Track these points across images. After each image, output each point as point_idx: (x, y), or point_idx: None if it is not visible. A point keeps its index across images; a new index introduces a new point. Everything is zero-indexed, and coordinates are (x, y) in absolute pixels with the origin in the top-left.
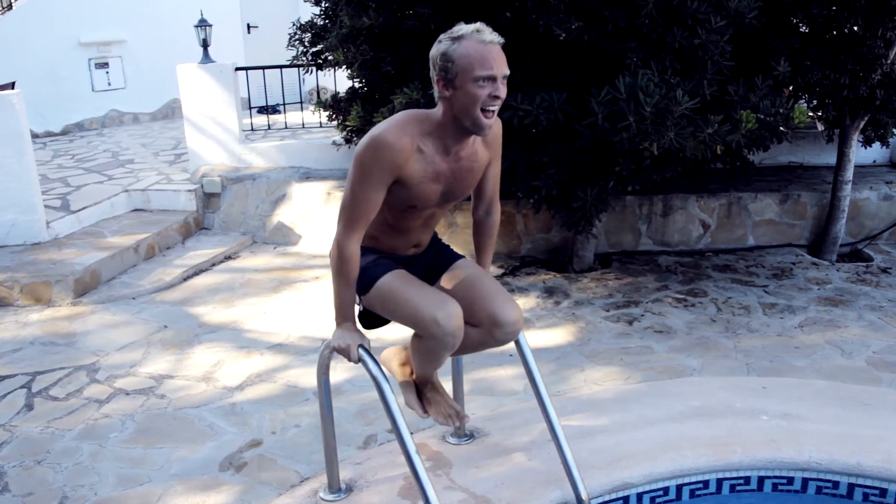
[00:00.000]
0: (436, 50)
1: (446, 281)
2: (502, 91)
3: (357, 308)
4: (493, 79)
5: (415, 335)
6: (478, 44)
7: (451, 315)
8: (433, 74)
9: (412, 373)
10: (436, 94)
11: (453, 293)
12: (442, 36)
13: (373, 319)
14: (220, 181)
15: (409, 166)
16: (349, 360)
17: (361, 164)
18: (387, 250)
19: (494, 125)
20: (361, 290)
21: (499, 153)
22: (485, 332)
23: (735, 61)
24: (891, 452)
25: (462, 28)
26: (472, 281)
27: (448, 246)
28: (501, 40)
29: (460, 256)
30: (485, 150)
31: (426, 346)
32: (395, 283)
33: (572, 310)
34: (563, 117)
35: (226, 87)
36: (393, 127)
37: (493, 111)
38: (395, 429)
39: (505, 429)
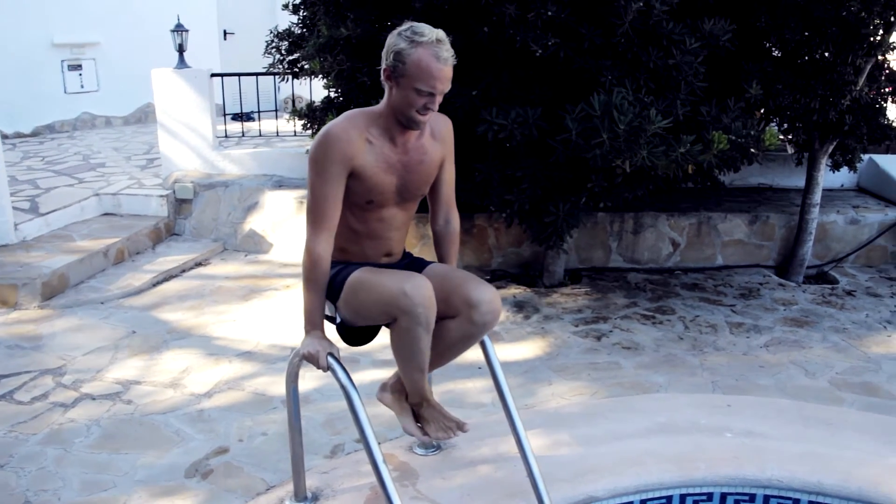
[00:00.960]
0: (393, 42)
1: None
2: (436, 104)
3: (336, 319)
4: (431, 94)
5: (392, 330)
6: (432, 57)
7: (418, 285)
8: (383, 62)
9: (407, 397)
10: (382, 77)
11: None
12: (404, 28)
13: (353, 334)
14: (192, 187)
15: (361, 157)
16: (318, 367)
17: (315, 161)
18: (359, 261)
19: (445, 123)
20: (334, 295)
21: (451, 153)
22: (464, 319)
23: (708, 83)
24: (850, 471)
25: (424, 33)
26: (444, 274)
27: (420, 258)
28: (455, 61)
29: (432, 262)
30: (435, 146)
31: (401, 330)
32: (364, 274)
33: (541, 324)
34: (537, 132)
35: (201, 93)
36: (339, 121)
37: (427, 112)
38: (363, 438)
39: (472, 440)
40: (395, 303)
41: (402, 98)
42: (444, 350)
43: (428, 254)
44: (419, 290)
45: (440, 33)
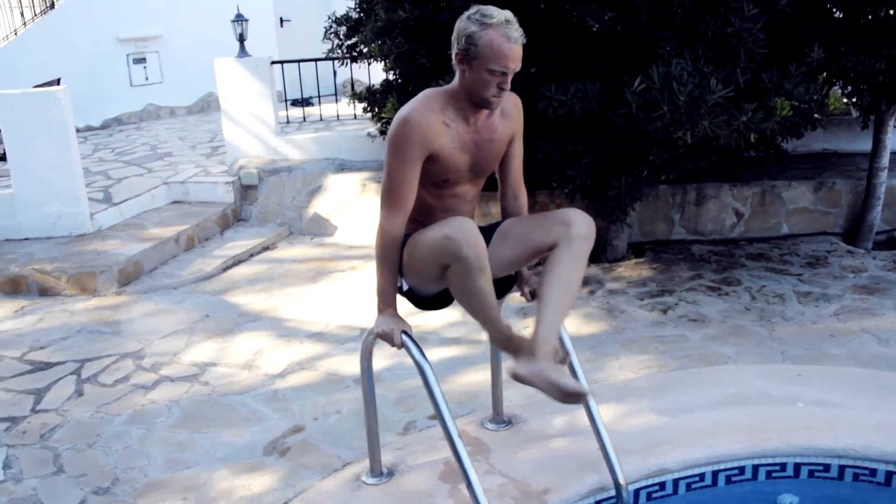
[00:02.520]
0: (464, 27)
1: (500, 234)
2: (508, 84)
3: (403, 286)
4: (504, 73)
5: (448, 283)
6: (503, 38)
7: (458, 226)
8: (454, 47)
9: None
10: (453, 61)
11: (518, 232)
12: (472, 12)
13: (424, 300)
14: (256, 173)
15: (439, 140)
16: (392, 345)
17: (394, 145)
18: None
19: (514, 100)
20: (402, 266)
21: (520, 130)
22: (565, 240)
23: (768, 49)
24: None
25: (494, 14)
26: (528, 216)
27: (491, 223)
28: (524, 40)
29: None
30: (504, 124)
31: (454, 276)
32: (417, 233)
33: (606, 298)
34: (597, 107)
35: (262, 81)
36: (417, 105)
37: (501, 93)
38: (438, 413)
39: (541, 415)
40: (442, 250)
41: (476, 80)
42: (566, 280)
43: None
44: (460, 231)
45: (508, 14)
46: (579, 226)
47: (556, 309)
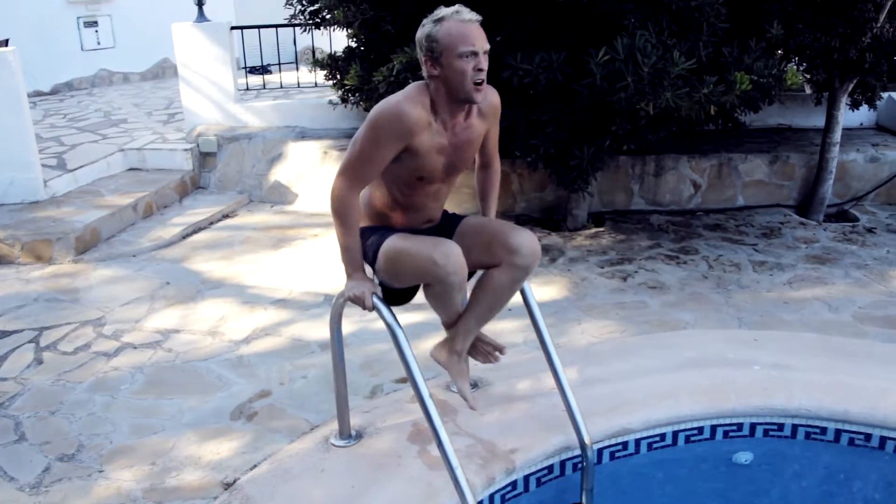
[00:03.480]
0: (421, 33)
1: (458, 238)
2: (484, 63)
3: (374, 281)
4: (475, 53)
5: (426, 291)
6: (458, 23)
7: (447, 253)
8: (421, 56)
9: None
10: (425, 74)
11: (468, 244)
12: (425, 20)
13: (392, 295)
14: (215, 140)
15: (421, 136)
16: (363, 308)
17: (377, 126)
18: (399, 227)
19: (493, 98)
20: (371, 260)
21: (496, 122)
22: (507, 265)
23: (730, 24)
24: (875, 400)
25: (442, 10)
26: (480, 227)
27: (455, 213)
28: (479, 18)
29: (465, 216)
30: (482, 123)
31: (436, 292)
32: (397, 241)
33: (567, 266)
34: (561, 77)
35: (221, 46)
36: (410, 98)
37: (482, 81)
38: (409, 374)
39: (507, 378)
40: (427, 271)
41: (452, 73)
42: (496, 300)
43: (455, 198)
44: (449, 259)
45: (458, 6)
46: (523, 256)
47: (479, 318)
